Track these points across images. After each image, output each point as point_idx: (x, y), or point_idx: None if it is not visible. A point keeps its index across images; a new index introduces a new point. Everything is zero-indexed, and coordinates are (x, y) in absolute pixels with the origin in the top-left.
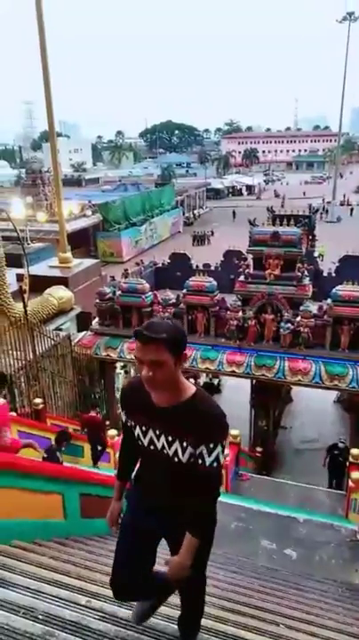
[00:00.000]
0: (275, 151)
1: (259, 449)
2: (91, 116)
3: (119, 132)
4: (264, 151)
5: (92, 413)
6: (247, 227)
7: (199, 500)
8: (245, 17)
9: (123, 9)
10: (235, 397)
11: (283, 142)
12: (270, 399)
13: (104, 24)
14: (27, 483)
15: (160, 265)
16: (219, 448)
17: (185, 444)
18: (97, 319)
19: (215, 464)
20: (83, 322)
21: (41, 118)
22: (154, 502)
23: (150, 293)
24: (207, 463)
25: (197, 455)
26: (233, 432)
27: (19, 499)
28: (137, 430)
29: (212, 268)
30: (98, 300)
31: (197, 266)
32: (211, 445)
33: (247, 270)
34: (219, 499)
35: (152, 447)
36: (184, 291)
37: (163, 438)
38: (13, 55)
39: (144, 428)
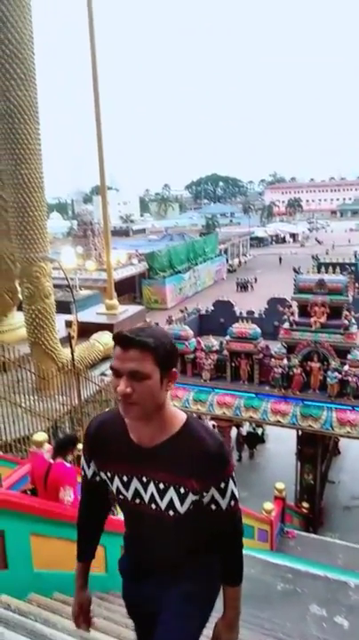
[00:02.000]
0: (319, 200)
1: (305, 504)
2: (139, 170)
3: (166, 185)
4: (308, 200)
5: None
6: (290, 274)
7: (229, 546)
8: (289, 69)
9: (170, 63)
10: (280, 448)
11: (326, 191)
12: (317, 451)
13: (152, 80)
14: (71, 533)
15: (203, 312)
16: (231, 484)
17: (183, 490)
18: None
19: (233, 503)
20: None
21: (93, 173)
22: (151, 567)
23: (193, 340)
24: (224, 506)
25: (208, 502)
26: (278, 485)
27: (62, 549)
28: (116, 482)
29: (256, 315)
30: None
31: (241, 313)
32: (223, 485)
33: (292, 318)
34: (264, 557)
35: (138, 501)
36: (227, 337)
37: (152, 487)
38: (69, 114)
39: (125, 478)
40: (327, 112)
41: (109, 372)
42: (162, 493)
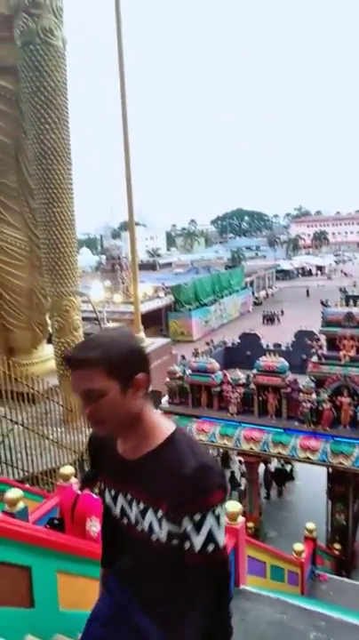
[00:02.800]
0: (346, 232)
1: (336, 546)
2: (166, 205)
3: (192, 220)
4: (334, 233)
5: None
6: (317, 306)
7: (193, 614)
8: (313, 102)
9: (195, 98)
10: (310, 486)
11: (353, 224)
12: (348, 490)
13: (177, 115)
14: (97, 571)
15: (230, 344)
16: (211, 520)
17: (160, 514)
18: (167, 398)
19: (211, 547)
20: (153, 400)
21: (121, 210)
22: (129, 596)
23: (220, 373)
24: (197, 547)
25: (182, 535)
26: (308, 525)
27: (88, 588)
28: (107, 497)
29: (283, 348)
30: (168, 379)
31: (268, 345)
32: (198, 518)
33: (320, 351)
34: (296, 602)
35: (126, 520)
36: (254, 371)
37: (134, 506)
38: (99, 152)
39: (113, 493)
40: (352, 144)
41: None
42: (143, 514)
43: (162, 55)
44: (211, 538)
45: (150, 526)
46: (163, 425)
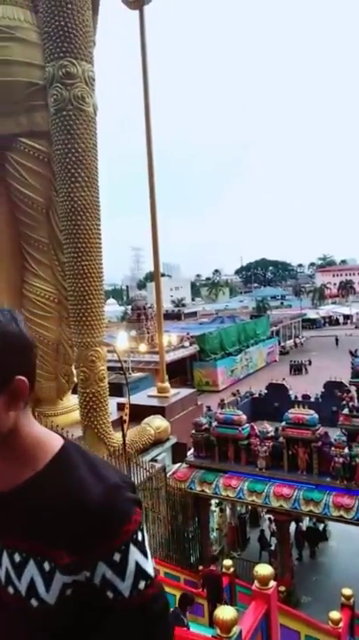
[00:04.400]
0: None
1: None
2: (190, 256)
3: (216, 271)
4: None
5: (212, 567)
6: (346, 356)
7: None
8: (337, 148)
9: (216, 146)
10: (345, 547)
11: None
12: None
13: (197, 168)
14: None
15: (257, 395)
16: (134, 552)
17: (48, 566)
18: (192, 450)
19: (143, 584)
20: (178, 453)
21: (147, 261)
22: None
23: (247, 425)
24: (126, 592)
25: (100, 586)
26: (345, 591)
27: None
28: None
29: (312, 399)
30: (194, 431)
31: (296, 396)
32: (118, 557)
33: (351, 403)
34: None
35: None
36: (283, 423)
37: (6, 559)
38: (125, 204)
39: None
40: None
41: (160, 457)
42: (19, 569)
43: (183, 110)
44: (140, 574)
45: (30, 586)
46: (48, 441)
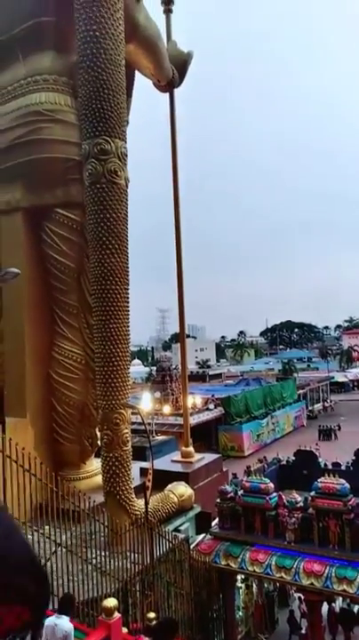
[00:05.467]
0: None
1: None
2: (215, 317)
3: (241, 332)
4: None
5: None
6: None
7: None
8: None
9: (241, 213)
10: None
11: None
12: None
13: (221, 231)
14: None
15: (284, 462)
16: None
17: None
18: (217, 520)
19: None
20: (202, 523)
21: (172, 323)
22: None
23: (275, 494)
24: None
25: None
26: None
27: None
28: None
29: (343, 467)
30: (219, 500)
31: (326, 464)
32: None
33: None
34: None
35: None
36: (312, 493)
37: None
38: (152, 268)
39: None
40: None
41: (183, 527)
42: None
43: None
44: None
45: None
46: None
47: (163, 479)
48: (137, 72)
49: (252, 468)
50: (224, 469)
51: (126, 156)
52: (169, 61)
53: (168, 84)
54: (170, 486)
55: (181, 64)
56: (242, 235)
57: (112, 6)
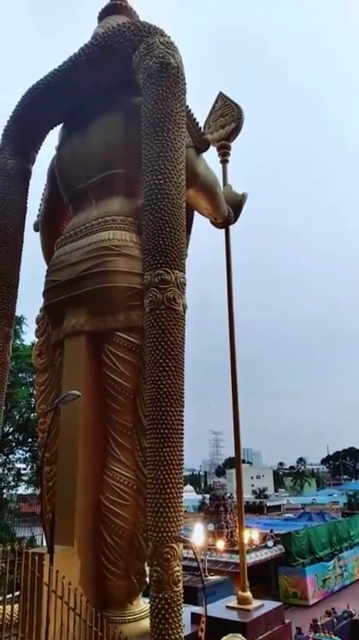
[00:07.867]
0: None
1: None
2: (272, 442)
3: (300, 459)
4: None
5: None
6: None
7: None
8: None
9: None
10: None
11: None
12: None
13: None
14: None
15: (357, 616)
16: None
17: None
18: None
19: None
20: None
21: (226, 446)
22: None
23: None
24: None
25: None
26: None
27: None
28: None
29: None
30: None
31: None
32: None
33: None
34: None
35: None
36: None
37: None
38: (206, 389)
39: None
40: None
41: None
42: None
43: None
44: None
45: None
46: None
47: (216, 629)
48: (196, 212)
49: (320, 623)
50: (286, 621)
51: (185, 285)
52: (225, 203)
53: (224, 222)
54: (225, 638)
55: (236, 204)
56: (297, 353)
57: (175, 160)
